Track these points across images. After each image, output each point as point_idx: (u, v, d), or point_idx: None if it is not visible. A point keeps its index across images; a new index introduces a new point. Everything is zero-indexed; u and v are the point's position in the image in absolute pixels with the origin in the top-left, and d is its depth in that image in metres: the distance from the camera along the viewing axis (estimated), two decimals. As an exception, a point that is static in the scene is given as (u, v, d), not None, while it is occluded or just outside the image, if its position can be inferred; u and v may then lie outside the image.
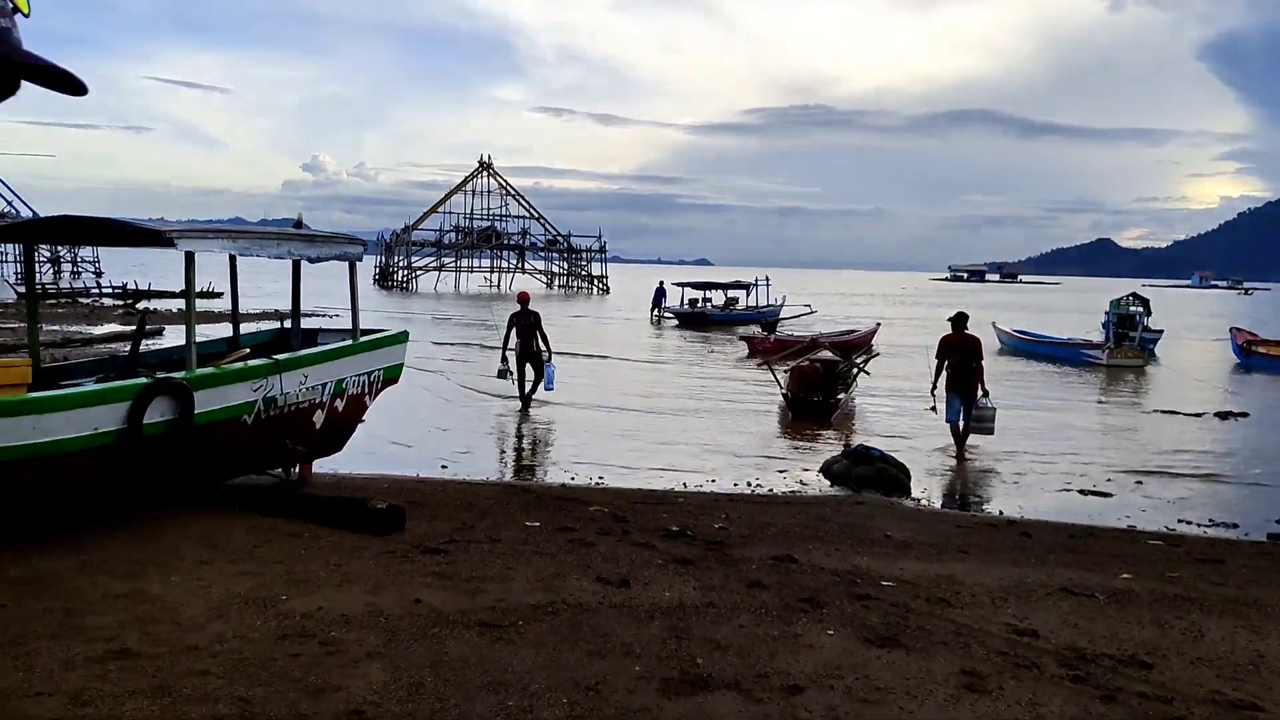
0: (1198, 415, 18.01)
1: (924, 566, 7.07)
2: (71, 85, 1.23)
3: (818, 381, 17.24)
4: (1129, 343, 29.87)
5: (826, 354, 20.15)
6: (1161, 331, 33.23)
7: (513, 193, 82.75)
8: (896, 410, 17.79)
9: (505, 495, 9.48)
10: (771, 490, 10.97)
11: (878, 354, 18.42)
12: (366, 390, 9.66)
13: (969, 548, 7.84)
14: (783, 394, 17.15)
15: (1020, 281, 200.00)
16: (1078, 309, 68.50)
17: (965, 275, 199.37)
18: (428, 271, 79.33)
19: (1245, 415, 18.09)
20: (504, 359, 16.45)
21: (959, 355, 13.84)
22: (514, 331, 16.28)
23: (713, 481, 11.31)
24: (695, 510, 9.07)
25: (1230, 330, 33.48)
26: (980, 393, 13.72)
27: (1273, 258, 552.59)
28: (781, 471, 12.10)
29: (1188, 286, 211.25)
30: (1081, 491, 11.47)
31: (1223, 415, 17.98)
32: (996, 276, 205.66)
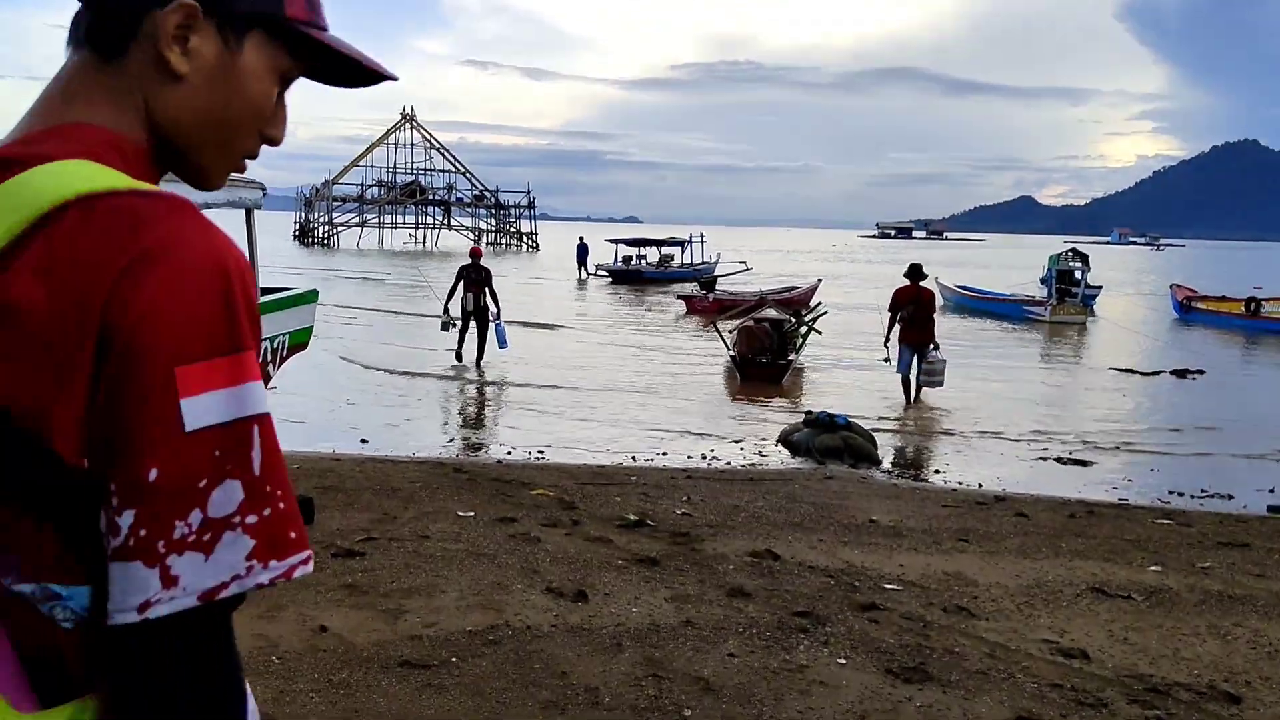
0: (1154, 374, 17.46)
1: (925, 561, 6.08)
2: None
3: (767, 342, 16.26)
4: (1071, 299, 29.55)
5: (772, 312, 19.19)
6: (1100, 288, 33.03)
7: (437, 146, 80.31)
8: (849, 370, 16.96)
9: (434, 476, 8.28)
10: (730, 464, 9.95)
11: (826, 311, 17.50)
12: (270, 359, 8.35)
13: (967, 534, 6.89)
14: (730, 355, 16.18)
15: (946, 238, 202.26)
16: (1008, 265, 68.86)
17: (893, 232, 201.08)
18: (349, 228, 76.69)
19: (1201, 373, 17.60)
20: (446, 311, 15.80)
21: (913, 308, 13.68)
22: (461, 284, 15.53)
23: (664, 455, 10.25)
24: (651, 491, 7.99)
25: (1170, 286, 33.41)
26: (932, 345, 13.57)
27: (1185, 214, 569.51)
28: (738, 442, 11.08)
29: (1108, 243, 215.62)
30: (1059, 460, 10.67)
31: (1179, 373, 17.46)
32: (924, 234, 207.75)
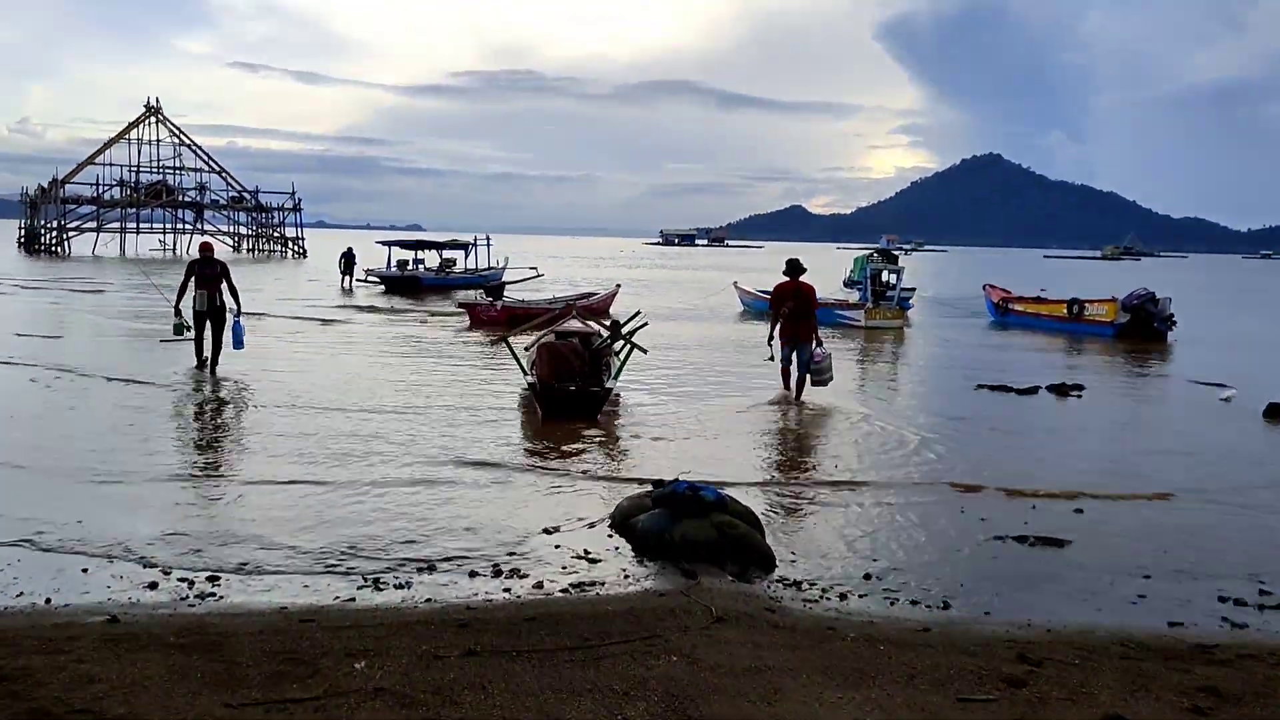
0: (1031, 391, 14.71)
1: None
2: None
3: (576, 363, 12.37)
4: (886, 302, 27.36)
5: (578, 324, 15.27)
6: (914, 289, 31.21)
7: (188, 142, 71.86)
8: (684, 395, 13.28)
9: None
10: (539, 584, 5.94)
11: (646, 323, 13.70)
12: None
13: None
14: (528, 382, 12.15)
15: (727, 245, 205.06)
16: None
17: (676, 240, 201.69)
18: (83, 233, 67.25)
19: (1081, 389, 15.02)
20: (177, 312, 14.55)
21: (794, 303, 13.14)
22: (193, 282, 14.20)
23: (429, 569, 6.13)
24: (405, 675, 3.92)
25: (984, 287, 31.89)
26: (815, 343, 13.00)
27: (940, 222, 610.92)
28: (548, 531, 7.07)
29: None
30: (1023, 540, 7.26)
31: (1059, 390, 14.81)
32: (705, 241, 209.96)
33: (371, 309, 28.07)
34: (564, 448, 10.00)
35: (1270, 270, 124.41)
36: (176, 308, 14.54)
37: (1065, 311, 26.27)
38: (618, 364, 12.70)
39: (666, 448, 10.14)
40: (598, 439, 10.59)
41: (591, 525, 7.25)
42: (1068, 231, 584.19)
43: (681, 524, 6.60)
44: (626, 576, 6.17)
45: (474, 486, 8.31)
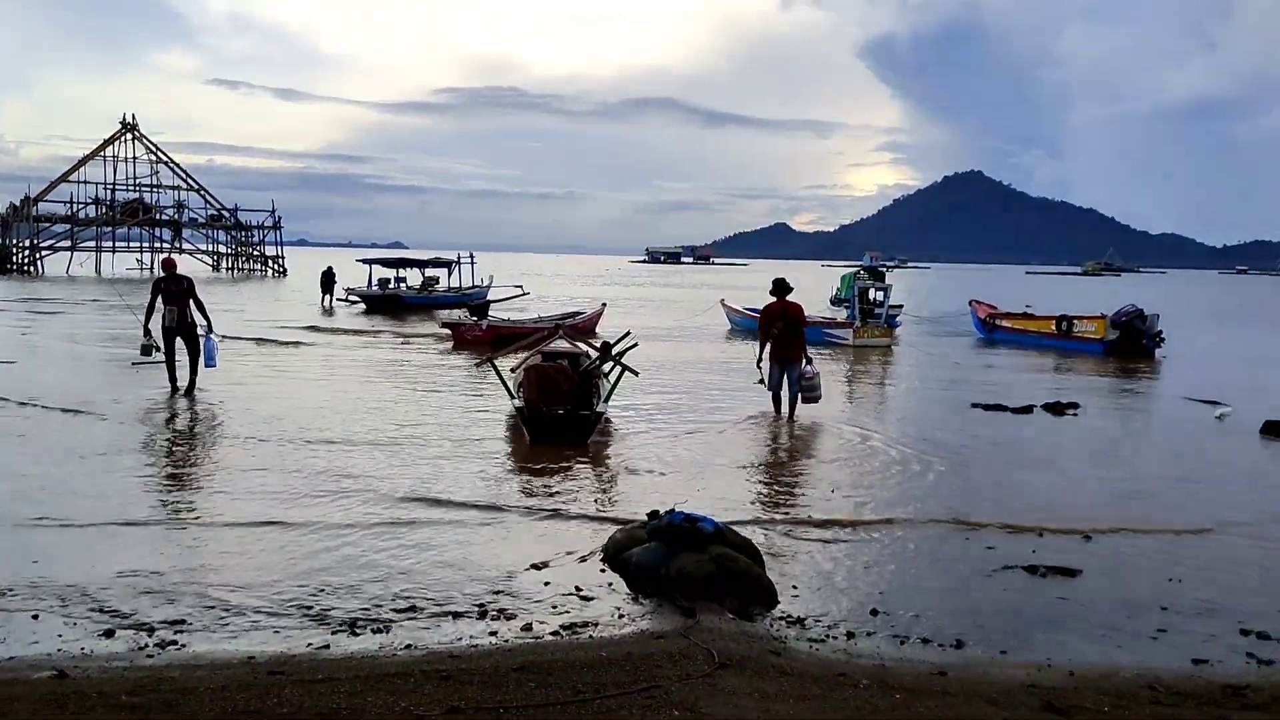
0: (1026, 410, 14.43)
1: None
2: None
3: (565, 385, 12.00)
4: (874, 320, 27.09)
5: (565, 344, 14.90)
6: (901, 307, 30.95)
7: (165, 160, 71.06)
8: (675, 419, 12.92)
9: None
10: (528, 626, 5.56)
11: (636, 343, 13.25)
12: None
13: None
14: (515, 405, 11.77)
15: (713, 262, 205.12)
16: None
17: (662, 257, 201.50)
18: (56, 252, 66.38)
19: (1076, 407, 14.76)
20: (146, 333, 14.24)
21: (783, 323, 13.10)
22: (159, 299, 13.89)
23: (410, 611, 5.74)
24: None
25: (969, 303, 31.70)
26: (804, 361, 13.06)
27: (923, 239, 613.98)
28: (537, 567, 6.69)
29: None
30: (1033, 571, 6.93)
31: (1054, 409, 14.54)
32: (691, 259, 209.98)
33: (352, 331, 27.59)
34: (553, 476, 9.61)
35: (1246, 285, 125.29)
36: (145, 327, 14.24)
37: (1054, 328, 26.08)
38: (607, 386, 12.32)
39: (659, 475, 9.75)
40: (588, 466, 10.21)
41: (583, 559, 6.88)
42: (1048, 247, 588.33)
43: (679, 558, 6.24)
44: (621, 615, 5.81)
45: (457, 523, 7.84)
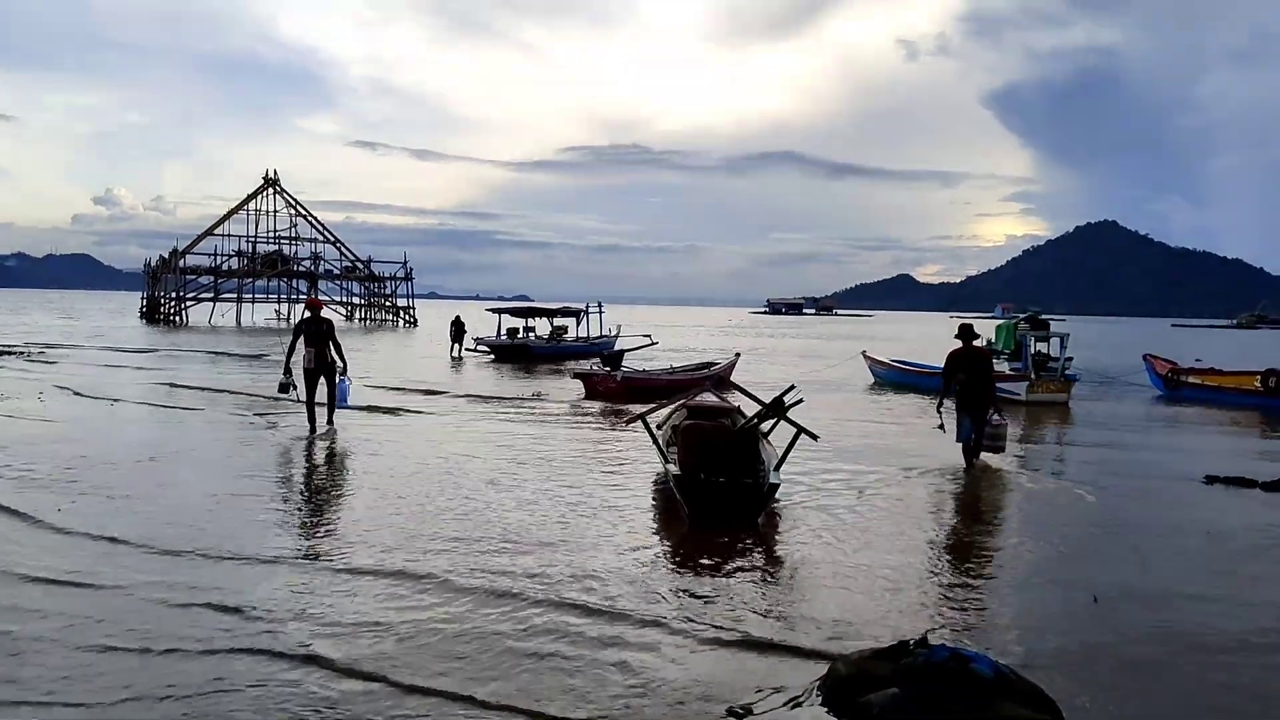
0: (1276, 486, 11.90)
1: None
2: None
3: (722, 448, 10.16)
4: (1048, 373, 24.41)
5: (713, 398, 13.08)
6: (1072, 358, 28.15)
7: (303, 213, 72.97)
8: (855, 486, 10.83)
9: None
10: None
11: (801, 399, 11.14)
12: None
13: None
14: (671, 474, 9.71)
15: (836, 314, 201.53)
16: (909, 338, 65.21)
17: (784, 309, 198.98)
18: (200, 302, 68.43)
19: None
20: (287, 371, 14.60)
21: (969, 370, 12.61)
22: (301, 340, 14.41)
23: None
24: None
25: (1144, 358, 28.69)
26: (992, 409, 12.48)
27: (1053, 291, 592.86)
28: (737, 715, 4.82)
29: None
30: None
31: (1316, 485, 11.96)
32: (813, 310, 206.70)
33: (479, 398, 26.38)
34: (724, 574, 7.54)
35: None
36: (287, 366, 14.60)
37: (1259, 384, 22.99)
38: (772, 450, 10.39)
39: (869, 572, 7.64)
40: (767, 557, 8.23)
41: (795, 703, 5.00)
42: (1188, 298, 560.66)
43: (947, 713, 4.33)
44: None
45: (623, 643, 5.93)
